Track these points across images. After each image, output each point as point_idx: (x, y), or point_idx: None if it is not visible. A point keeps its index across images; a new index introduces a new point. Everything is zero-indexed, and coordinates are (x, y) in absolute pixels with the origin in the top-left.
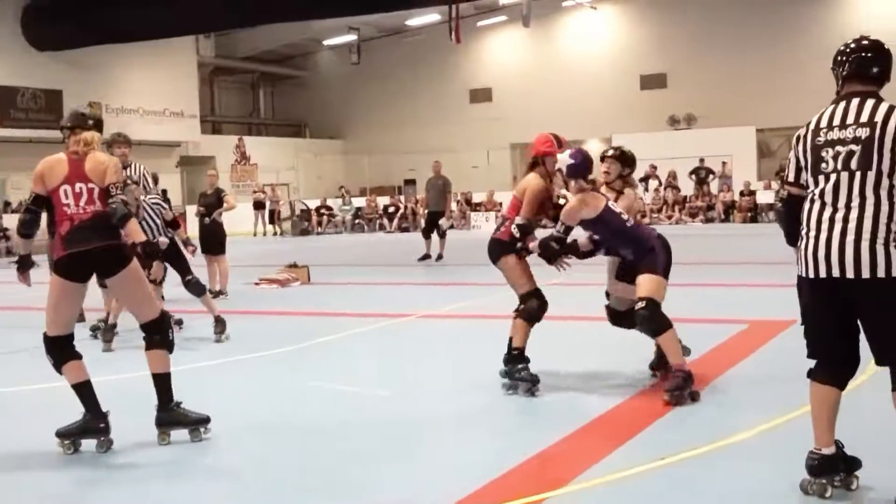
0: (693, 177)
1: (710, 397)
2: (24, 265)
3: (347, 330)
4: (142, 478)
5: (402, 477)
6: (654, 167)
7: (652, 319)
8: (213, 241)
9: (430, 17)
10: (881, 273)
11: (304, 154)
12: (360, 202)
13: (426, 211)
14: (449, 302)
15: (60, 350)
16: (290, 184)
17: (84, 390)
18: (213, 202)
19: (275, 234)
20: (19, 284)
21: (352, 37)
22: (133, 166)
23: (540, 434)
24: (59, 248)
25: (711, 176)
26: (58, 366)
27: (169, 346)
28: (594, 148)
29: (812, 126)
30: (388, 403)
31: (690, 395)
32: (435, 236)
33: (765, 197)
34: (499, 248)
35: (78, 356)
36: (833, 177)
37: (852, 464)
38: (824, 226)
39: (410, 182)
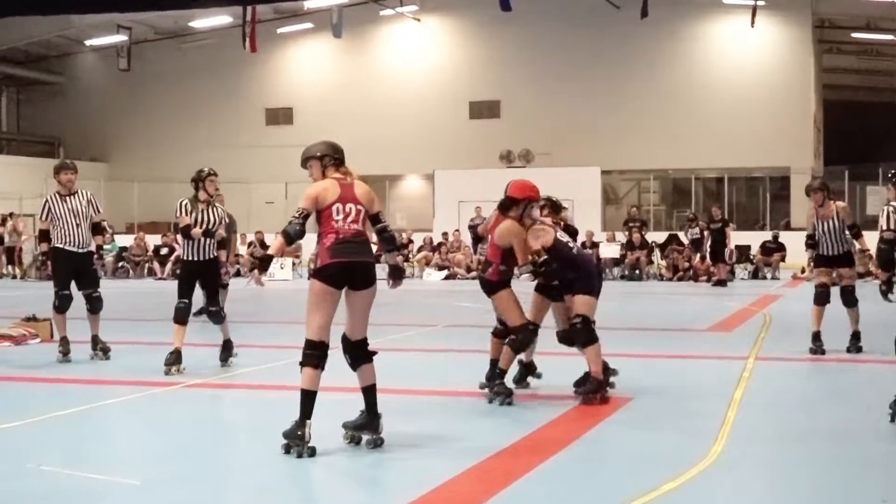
0: None
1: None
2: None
3: (94, 401)
4: None
5: None
6: (478, 209)
7: (583, 332)
8: None
9: (219, 18)
10: None
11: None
12: (125, 240)
13: None
14: (225, 368)
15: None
16: (35, 215)
17: (308, 401)
18: None
19: (14, 276)
20: None
21: (121, 37)
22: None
23: None
24: (325, 257)
25: None
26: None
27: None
28: (414, 185)
29: None
30: (138, 495)
31: (601, 398)
32: None
33: (609, 251)
34: (489, 286)
35: (317, 367)
36: None
37: None
38: None
39: None
